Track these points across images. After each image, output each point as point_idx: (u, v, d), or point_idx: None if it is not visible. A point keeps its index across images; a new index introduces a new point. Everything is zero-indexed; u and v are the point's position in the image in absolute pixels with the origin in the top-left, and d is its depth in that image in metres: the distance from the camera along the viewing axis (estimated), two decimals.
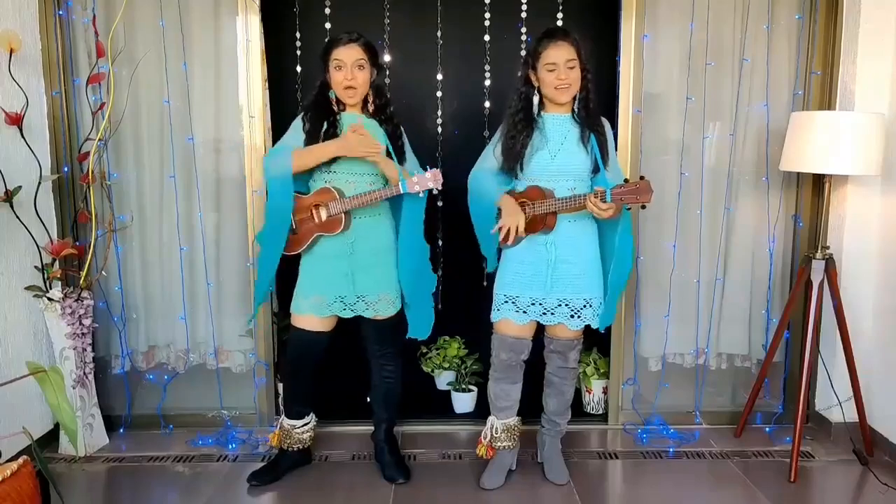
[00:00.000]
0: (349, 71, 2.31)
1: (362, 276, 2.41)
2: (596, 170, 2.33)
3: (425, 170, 2.32)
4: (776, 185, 2.99)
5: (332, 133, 2.35)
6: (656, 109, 2.95)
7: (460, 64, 3.27)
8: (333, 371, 2.74)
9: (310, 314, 2.42)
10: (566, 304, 2.37)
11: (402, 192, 2.28)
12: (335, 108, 2.40)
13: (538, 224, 2.31)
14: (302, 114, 2.44)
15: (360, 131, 2.27)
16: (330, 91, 2.39)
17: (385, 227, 2.46)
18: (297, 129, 2.42)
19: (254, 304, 2.65)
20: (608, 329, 2.94)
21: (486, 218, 2.39)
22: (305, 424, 2.57)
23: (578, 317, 2.38)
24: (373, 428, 2.68)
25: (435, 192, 2.32)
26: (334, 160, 2.34)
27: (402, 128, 2.48)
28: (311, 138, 2.37)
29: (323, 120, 2.37)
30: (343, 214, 2.33)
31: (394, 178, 2.34)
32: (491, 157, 2.43)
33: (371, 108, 2.42)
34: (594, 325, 2.41)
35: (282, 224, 2.38)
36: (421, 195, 2.31)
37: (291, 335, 2.48)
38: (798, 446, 2.59)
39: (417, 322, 2.53)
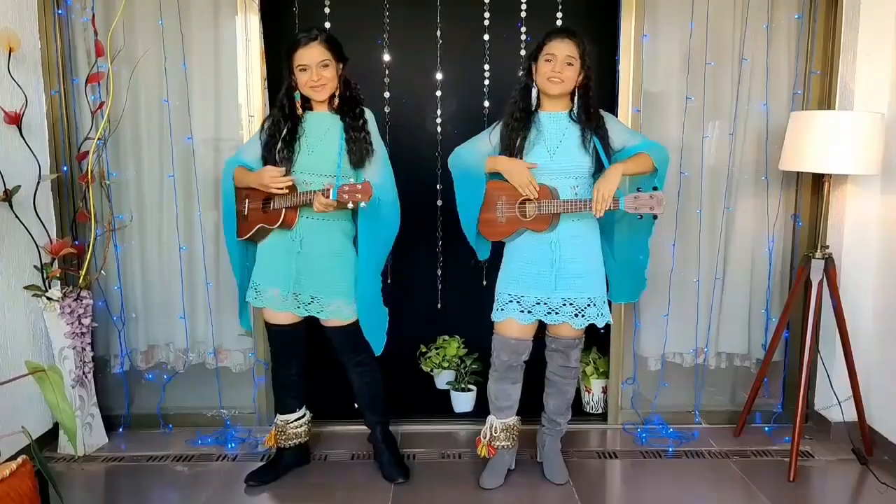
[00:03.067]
0: (314, 72, 2.27)
1: (309, 277, 2.37)
2: (599, 171, 2.35)
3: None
4: (776, 185, 2.99)
5: (290, 139, 2.32)
6: (656, 109, 2.95)
7: (460, 64, 3.26)
8: (332, 370, 2.74)
9: (267, 307, 2.44)
10: (570, 304, 2.37)
11: (331, 199, 2.13)
12: (300, 111, 2.36)
13: (544, 223, 2.31)
14: (259, 127, 2.44)
15: (272, 173, 2.28)
16: (296, 93, 2.34)
17: (336, 231, 2.37)
18: (255, 139, 2.44)
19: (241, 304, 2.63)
20: (608, 328, 2.96)
21: (473, 193, 2.38)
22: (299, 418, 2.57)
23: (583, 316, 2.38)
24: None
25: (351, 206, 2.11)
26: (292, 159, 2.32)
27: (367, 117, 2.37)
28: (269, 148, 2.35)
29: (282, 126, 2.34)
30: (284, 210, 2.31)
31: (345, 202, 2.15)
32: (486, 142, 2.42)
33: (336, 103, 2.36)
34: (599, 324, 2.42)
35: (229, 218, 2.48)
36: (351, 206, 2.12)
37: (266, 329, 2.52)
38: (797, 446, 2.59)
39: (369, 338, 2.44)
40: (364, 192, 2.11)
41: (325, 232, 2.37)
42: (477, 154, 2.41)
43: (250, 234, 2.43)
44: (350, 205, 2.12)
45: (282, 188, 2.28)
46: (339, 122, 2.36)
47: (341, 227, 2.40)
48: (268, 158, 2.35)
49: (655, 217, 2.23)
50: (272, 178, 2.28)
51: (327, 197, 2.15)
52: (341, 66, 2.35)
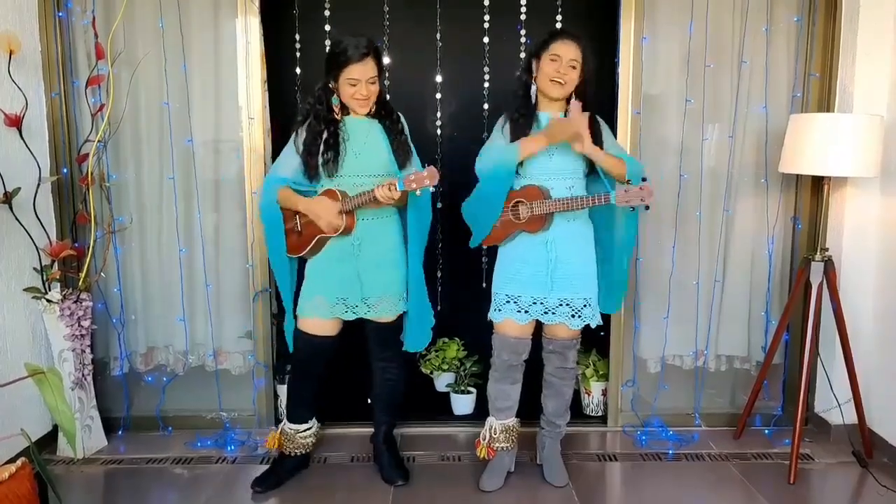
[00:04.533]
0: (364, 87, 2.30)
1: (368, 277, 2.40)
2: (592, 171, 2.36)
3: (424, 167, 2.28)
4: (775, 187, 2.99)
5: (334, 142, 2.33)
6: (655, 111, 2.95)
7: (460, 66, 3.27)
8: (333, 372, 2.74)
9: (314, 317, 2.42)
10: (567, 304, 2.38)
11: (399, 189, 2.24)
12: (338, 114, 2.37)
13: (538, 224, 2.32)
14: (293, 136, 2.41)
15: (332, 212, 2.30)
16: (334, 98, 2.35)
17: (392, 228, 2.44)
18: (290, 152, 2.40)
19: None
20: (607, 330, 2.96)
21: (501, 180, 2.32)
22: (309, 429, 2.57)
23: (579, 316, 2.39)
24: (372, 430, 2.68)
25: (432, 189, 2.28)
26: (339, 163, 2.33)
27: (403, 121, 2.46)
28: (310, 152, 2.34)
29: (322, 129, 2.34)
30: (344, 215, 2.33)
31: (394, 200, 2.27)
32: (500, 142, 2.38)
33: (372, 109, 2.40)
34: (594, 325, 2.42)
35: (277, 237, 2.43)
36: (419, 193, 2.25)
37: (297, 338, 2.48)
38: (797, 448, 2.59)
39: (412, 335, 2.51)
40: (431, 176, 2.20)
41: (382, 231, 2.42)
42: (503, 150, 2.35)
43: (309, 248, 2.41)
44: (418, 192, 2.23)
45: (334, 231, 2.31)
46: (377, 124, 2.40)
47: (395, 223, 2.46)
48: (311, 164, 2.35)
49: (647, 208, 2.24)
50: (332, 216, 2.29)
51: (392, 190, 2.22)
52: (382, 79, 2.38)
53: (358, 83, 2.29)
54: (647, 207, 2.23)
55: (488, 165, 2.35)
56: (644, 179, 2.26)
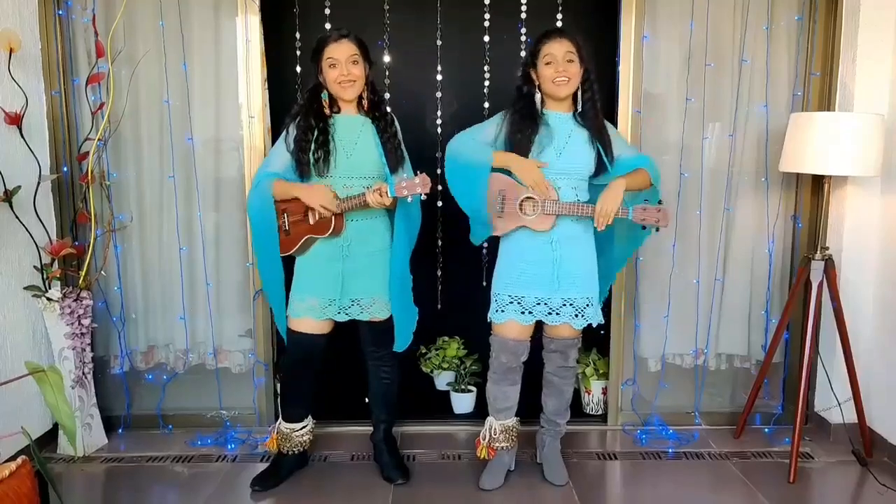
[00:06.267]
0: (344, 67, 2.29)
1: (355, 279, 2.40)
2: (597, 173, 2.36)
3: (415, 174, 2.27)
4: (776, 186, 2.99)
5: (324, 140, 2.32)
6: (656, 110, 2.95)
7: (460, 65, 3.27)
8: (332, 371, 2.74)
9: (306, 317, 2.41)
10: (571, 304, 2.37)
11: (389, 195, 2.23)
12: (328, 111, 2.36)
13: (548, 223, 2.31)
14: (284, 133, 2.39)
15: (328, 195, 2.27)
16: (323, 93, 2.35)
17: (381, 229, 2.44)
18: (280, 149, 2.38)
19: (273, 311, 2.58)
20: (607, 329, 2.96)
21: (476, 185, 2.31)
22: (304, 427, 2.57)
23: (582, 316, 2.38)
24: (372, 429, 2.68)
25: (423, 197, 2.26)
26: (330, 163, 2.31)
27: (396, 125, 2.45)
28: (301, 148, 2.32)
29: (313, 127, 2.33)
30: (333, 217, 2.32)
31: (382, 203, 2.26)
32: (490, 132, 2.37)
33: (366, 104, 2.39)
34: (595, 323, 2.42)
35: (269, 234, 2.38)
36: (410, 199, 2.23)
37: (289, 339, 2.48)
38: (797, 447, 2.59)
39: (396, 336, 2.50)
40: (423, 184, 2.19)
41: (371, 232, 2.41)
42: (481, 145, 2.36)
43: (296, 248, 2.40)
44: (409, 199, 2.22)
45: (330, 212, 2.29)
46: (370, 124, 2.38)
47: (384, 224, 2.45)
48: (302, 160, 2.33)
49: (658, 230, 2.27)
50: (326, 201, 2.26)
51: (383, 195, 2.22)
52: (368, 66, 2.36)
53: (337, 63, 2.28)
54: (657, 230, 2.26)
55: (461, 154, 2.34)
56: (660, 202, 2.28)
